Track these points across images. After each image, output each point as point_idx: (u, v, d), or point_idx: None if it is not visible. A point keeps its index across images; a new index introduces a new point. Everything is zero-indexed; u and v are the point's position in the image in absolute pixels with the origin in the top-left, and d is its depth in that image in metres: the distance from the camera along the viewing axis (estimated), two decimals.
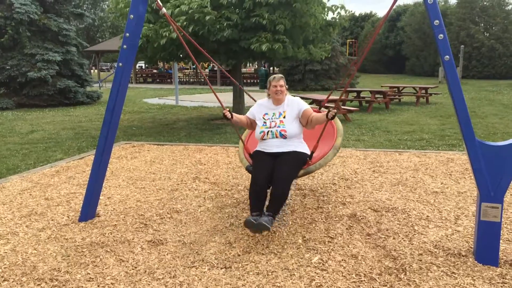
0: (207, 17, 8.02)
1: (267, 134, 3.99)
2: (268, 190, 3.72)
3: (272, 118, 4.06)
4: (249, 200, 3.68)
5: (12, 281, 2.96)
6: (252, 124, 4.28)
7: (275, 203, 3.60)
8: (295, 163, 3.82)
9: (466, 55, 32.55)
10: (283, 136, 3.94)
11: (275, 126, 3.99)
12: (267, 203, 3.69)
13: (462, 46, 29.69)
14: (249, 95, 4.98)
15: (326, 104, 10.96)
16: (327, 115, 3.61)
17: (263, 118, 4.11)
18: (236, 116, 4.15)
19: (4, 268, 3.15)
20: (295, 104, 4.10)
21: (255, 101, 4.44)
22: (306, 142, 4.14)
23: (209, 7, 8.05)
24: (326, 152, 4.04)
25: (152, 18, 8.54)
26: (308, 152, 4.00)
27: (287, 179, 3.67)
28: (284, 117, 4.02)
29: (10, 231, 3.85)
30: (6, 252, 3.41)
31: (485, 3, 35.65)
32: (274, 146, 3.95)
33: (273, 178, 3.65)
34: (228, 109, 4.07)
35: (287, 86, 4.22)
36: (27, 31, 14.97)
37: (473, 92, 19.52)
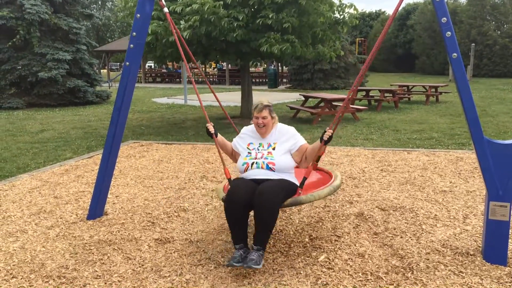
0: (223, 21, 8.02)
1: (251, 166, 3.37)
2: (248, 219, 3.20)
3: (258, 149, 3.47)
4: (229, 228, 3.13)
5: (21, 278, 2.99)
6: (235, 156, 3.70)
7: (262, 228, 3.01)
8: (283, 186, 3.17)
9: (477, 53, 32.25)
10: (271, 169, 3.32)
11: (261, 158, 3.38)
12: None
13: (473, 44, 29.41)
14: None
15: (334, 104, 10.87)
16: (321, 138, 3.20)
17: (248, 148, 3.52)
18: (221, 137, 3.69)
19: (13, 265, 3.19)
20: (290, 136, 3.49)
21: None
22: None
23: (221, 9, 8.04)
24: (323, 188, 3.37)
25: (162, 16, 8.59)
26: (298, 184, 3.33)
27: (274, 196, 3.02)
28: (274, 149, 3.42)
29: (19, 228, 3.90)
30: (15, 250, 3.45)
31: (496, 0, 35.28)
32: (259, 174, 3.32)
33: (256, 198, 3.02)
34: (212, 124, 3.59)
35: (274, 115, 3.55)
36: (37, 31, 15.10)
37: (483, 91, 19.33)
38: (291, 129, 3.55)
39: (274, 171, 3.31)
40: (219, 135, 3.64)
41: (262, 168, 3.33)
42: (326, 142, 3.20)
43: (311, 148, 3.39)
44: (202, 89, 24.01)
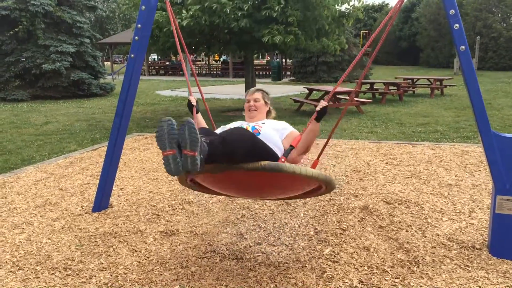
0: (228, 9, 7.99)
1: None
2: None
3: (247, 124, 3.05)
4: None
5: (27, 270, 3.01)
6: None
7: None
8: (256, 144, 2.53)
9: (483, 46, 31.97)
10: (256, 131, 2.89)
11: (248, 124, 3.02)
12: None
13: (478, 37, 29.18)
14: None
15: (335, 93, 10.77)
16: (316, 109, 2.83)
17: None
18: (201, 117, 3.42)
19: (19, 257, 3.20)
20: (278, 123, 3.10)
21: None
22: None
23: None
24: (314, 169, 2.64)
25: (165, 7, 8.64)
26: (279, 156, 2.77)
27: (241, 138, 2.42)
28: (263, 123, 3.03)
29: (25, 220, 3.91)
30: (21, 242, 3.46)
31: None
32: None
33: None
34: (195, 98, 3.42)
35: (268, 102, 3.30)
36: (41, 23, 15.08)
37: (489, 84, 19.21)
38: (283, 122, 3.15)
39: (259, 133, 2.85)
40: (199, 114, 3.40)
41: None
42: (319, 114, 2.81)
43: (307, 131, 2.87)
44: (204, 82, 23.95)
